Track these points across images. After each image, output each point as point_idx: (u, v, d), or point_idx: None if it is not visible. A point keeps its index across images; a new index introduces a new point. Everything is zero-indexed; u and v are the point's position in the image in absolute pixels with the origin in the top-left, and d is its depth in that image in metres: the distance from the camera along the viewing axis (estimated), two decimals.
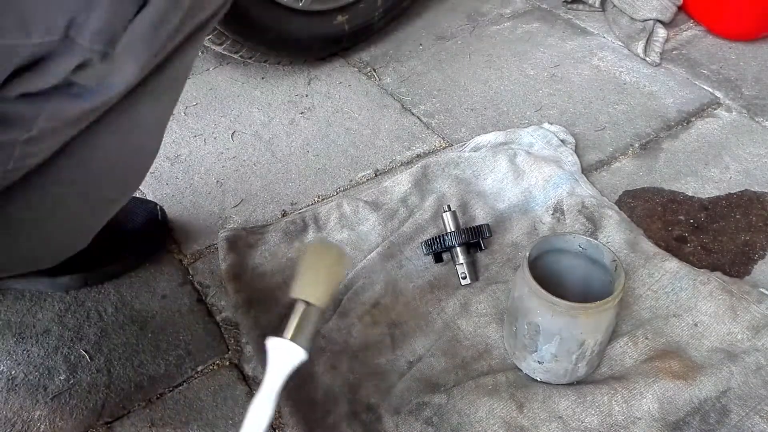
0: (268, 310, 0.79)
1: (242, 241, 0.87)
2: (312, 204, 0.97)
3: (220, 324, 0.80)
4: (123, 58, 0.44)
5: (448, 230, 0.81)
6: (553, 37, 1.33)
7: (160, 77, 0.54)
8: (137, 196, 0.97)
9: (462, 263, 0.81)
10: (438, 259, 0.83)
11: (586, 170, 0.99)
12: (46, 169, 0.54)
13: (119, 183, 0.64)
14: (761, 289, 0.78)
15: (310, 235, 0.89)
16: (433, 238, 0.81)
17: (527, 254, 0.67)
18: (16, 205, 0.56)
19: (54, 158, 0.53)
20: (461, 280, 0.81)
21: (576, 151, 1.01)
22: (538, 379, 0.70)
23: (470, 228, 0.81)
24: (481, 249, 0.84)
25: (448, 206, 0.84)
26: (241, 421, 0.53)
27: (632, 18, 1.29)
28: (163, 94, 0.58)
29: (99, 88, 0.46)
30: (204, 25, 0.55)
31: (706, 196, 0.95)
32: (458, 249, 0.81)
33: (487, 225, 0.82)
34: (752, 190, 0.96)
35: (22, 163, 0.50)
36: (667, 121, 1.10)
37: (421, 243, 0.83)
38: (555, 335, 0.65)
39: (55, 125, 0.47)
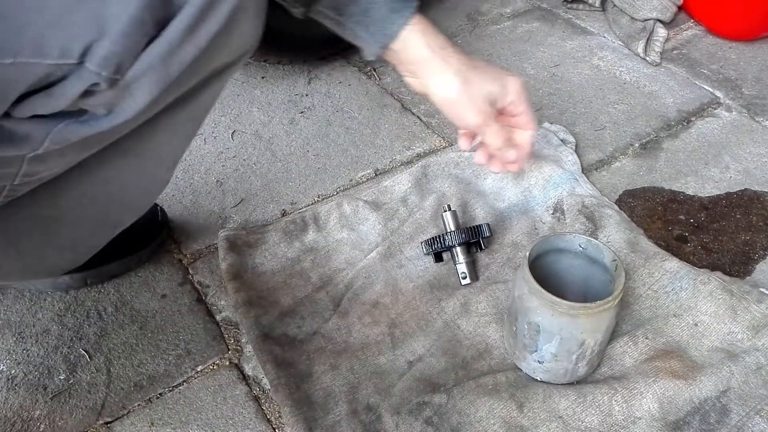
0: (268, 310, 0.79)
1: (242, 241, 0.87)
2: (312, 204, 0.97)
3: (220, 324, 0.80)
4: (133, 86, 0.45)
5: (448, 230, 0.81)
6: (553, 36, 1.33)
7: (182, 111, 0.55)
8: None
9: (462, 263, 0.81)
10: (438, 258, 0.83)
11: (586, 170, 0.99)
12: (57, 186, 0.56)
13: (126, 207, 0.66)
14: (761, 289, 0.77)
15: (310, 234, 0.89)
16: (433, 238, 0.81)
17: (527, 254, 0.66)
18: (19, 218, 0.57)
19: (67, 174, 0.55)
20: (461, 280, 0.81)
21: (576, 151, 1.01)
22: (538, 379, 0.70)
23: (470, 227, 0.81)
24: (481, 248, 0.84)
25: (448, 206, 0.84)
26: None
27: (632, 18, 1.29)
28: (182, 127, 0.60)
29: (107, 115, 0.48)
30: (231, 65, 0.56)
31: (706, 195, 0.95)
32: (458, 249, 0.81)
33: (487, 224, 0.82)
34: (752, 189, 0.96)
35: (28, 179, 0.52)
36: (667, 121, 1.10)
37: (421, 243, 0.83)
38: (555, 335, 0.64)
39: (62, 147, 0.49)
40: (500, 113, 0.73)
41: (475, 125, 0.70)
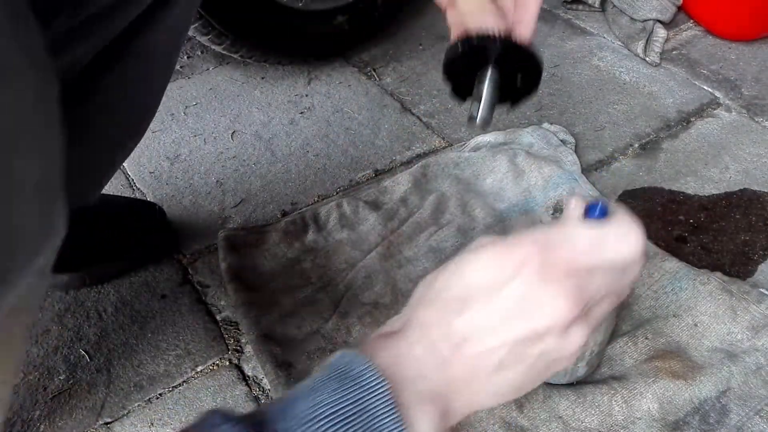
0: (268, 310, 0.79)
1: (242, 241, 0.87)
2: (312, 204, 0.97)
3: (220, 324, 0.80)
4: None
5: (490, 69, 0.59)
6: (553, 37, 1.33)
7: (168, 15, 0.60)
8: (137, 197, 0.97)
9: (483, 100, 0.60)
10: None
11: (586, 170, 0.99)
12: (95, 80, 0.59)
13: (133, 114, 0.68)
14: (761, 289, 0.78)
15: (310, 235, 0.89)
16: (477, 45, 0.60)
17: None
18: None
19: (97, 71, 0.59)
20: (468, 120, 0.61)
21: (576, 151, 1.01)
22: None
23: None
24: (513, 101, 0.63)
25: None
26: None
27: (632, 18, 1.29)
28: (174, 29, 0.64)
29: None
30: None
31: (706, 196, 0.95)
32: (487, 84, 0.60)
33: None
34: (752, 190, 0.96)
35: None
36: (666, 121, 1.10)
37: (459, 41, 0.62)
38: None
39: None
40: None
41: None
